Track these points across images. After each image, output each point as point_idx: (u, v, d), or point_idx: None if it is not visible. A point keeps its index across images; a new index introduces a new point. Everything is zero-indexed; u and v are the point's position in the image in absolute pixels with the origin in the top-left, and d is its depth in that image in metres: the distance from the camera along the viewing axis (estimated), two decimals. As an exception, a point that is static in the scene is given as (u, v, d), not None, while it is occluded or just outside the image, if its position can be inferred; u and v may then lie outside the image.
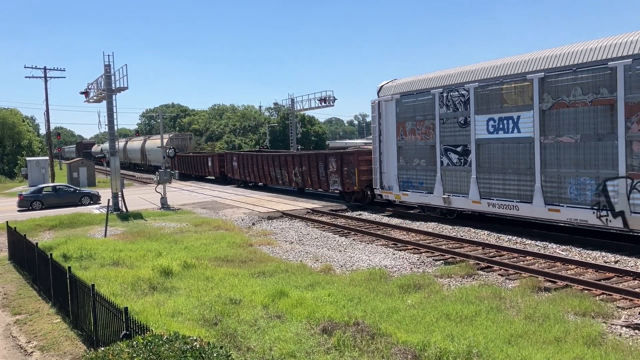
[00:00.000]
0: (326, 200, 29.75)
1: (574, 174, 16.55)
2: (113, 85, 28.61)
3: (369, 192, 26.70)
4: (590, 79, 16.04)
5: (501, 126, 18.76)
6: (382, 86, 24.64)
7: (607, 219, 15.70)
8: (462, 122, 20.38)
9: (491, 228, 19.40)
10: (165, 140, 55.49)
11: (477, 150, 19.70)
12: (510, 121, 18.41)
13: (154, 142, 60.21)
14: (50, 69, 51.22)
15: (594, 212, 16.01)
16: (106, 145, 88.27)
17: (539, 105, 17.35)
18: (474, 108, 19.69)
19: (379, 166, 24.50)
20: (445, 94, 20.88)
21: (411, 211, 23.94)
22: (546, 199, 17.30)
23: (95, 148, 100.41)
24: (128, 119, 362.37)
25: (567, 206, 16.70)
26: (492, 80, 18.97)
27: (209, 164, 47.21)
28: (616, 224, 15.47)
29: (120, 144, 76.90)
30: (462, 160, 20.44)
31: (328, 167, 29.44)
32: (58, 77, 76.06)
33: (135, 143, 73.41)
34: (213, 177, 47.90)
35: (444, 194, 21.13)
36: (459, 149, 20.61)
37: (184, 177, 51.62)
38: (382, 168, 24.40)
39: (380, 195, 24.96)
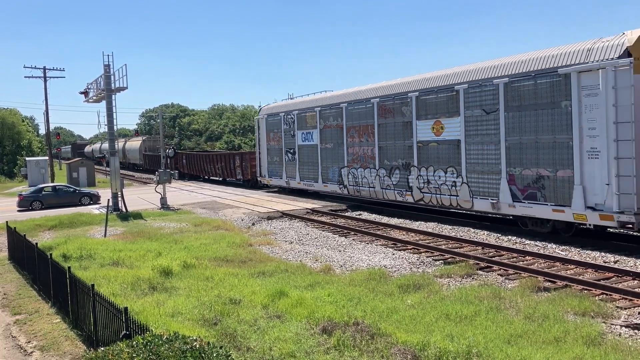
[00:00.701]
0: (326, 200, 29.77)
1: (332, 166, 28.80)
2: (112, 85, 28.60)
3: (256, 179, 38.32)
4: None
5: (308, 137, 30.86)
6: (260, 108, 38.03)
7: (341, 189, 27.94)
8: (292, 134, 32.43)
9: (491, 228, 19.42)
10: (138, 142, 71.78)
11: (299, 152, 31.72)
12: (310, 134, 30.62)
13: (132, 143, 75.59)
14: (50, 69, 51.31)
15: (338, 186, 28.19)
16: (97, 145, 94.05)
17: (320, 125, 29.58)
18: (297, 126, 31.84)
19: (258, 162, 37.02)
20: (284, 116, 33.12)
21: (274, 190, 35.72)
22: (323, 180, 29.60)
23: (88, 148, 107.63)
24: (128, 119, 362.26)
25: (330, 183, 28.97)
26: (304, 109, 31.09)
27: (167, 162, 52.33)
28: (344, 191, 27.73)
29: (106, 145, 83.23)
30: (293, 158, 32.32)
31: (235, 163, 42.48)
32: (57, 77, 76.05)
33: (120, 144, 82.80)
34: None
35: (285, 179, 33.36)
36: (292, 150, 32.57)
37: (147, 172, 62.54)
38: (260, 163, 36.70)
39: (260, 181, 37.01)
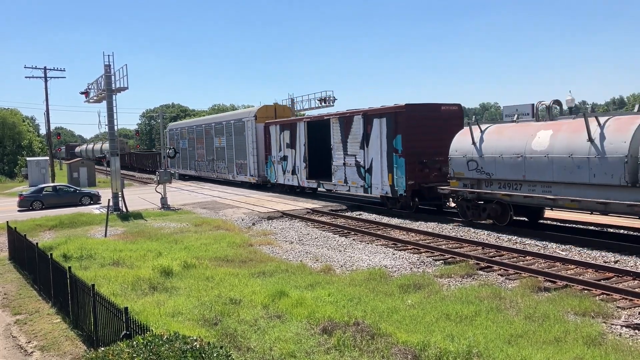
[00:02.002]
0: (326, 200, 29.76)
1: (192, 160, 50.39)
2: (113, 85, 28.61)
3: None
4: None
5: (184, 144, 51.29)
6: (167, 126, 60.48)
7: (196, 173, 49.18)
8: (178, 142, 52.85)
9: (491, 228, 19.42)
10: (104, 144, 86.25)
11: (181, 152, 50.83)
12: (185, 142, 50.67)
13: (97, 145, 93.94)
14: (50, 69, 51.29)
15: (195, 171, 49.19)
16: (84, 147, 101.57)
17: (187, 137, 51.52)
18: (179, 137, 52.99)
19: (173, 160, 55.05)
20: (175, 131, 54.39)
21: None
22: (189, 168, 49.95)
23: (77, 149, 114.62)
24: (128, 119, 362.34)
25: (192, 170, 49.68)
26: (180, 128, 53.25)
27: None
28: (196, 173, 49.45)
29: (90, 145, 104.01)
30: (178, 156, 50.17)
31: (155, 161, 61.91)
32: (58, 77, 76.16)
33: (90, 145, 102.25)
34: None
35: (176, 169, 52.42)
36: (178, 151, 47.56)
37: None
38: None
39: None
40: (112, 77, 28.53)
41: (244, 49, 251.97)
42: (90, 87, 32.90)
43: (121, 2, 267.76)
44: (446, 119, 23.55)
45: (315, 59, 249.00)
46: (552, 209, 18.57)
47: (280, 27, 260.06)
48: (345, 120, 26.96)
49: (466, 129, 20.53)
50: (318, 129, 30.57)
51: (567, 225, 19.62)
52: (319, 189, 31.59)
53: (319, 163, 30.71)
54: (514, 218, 19.09)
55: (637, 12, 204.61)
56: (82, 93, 33.67)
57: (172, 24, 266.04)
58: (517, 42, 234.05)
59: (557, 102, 19.19)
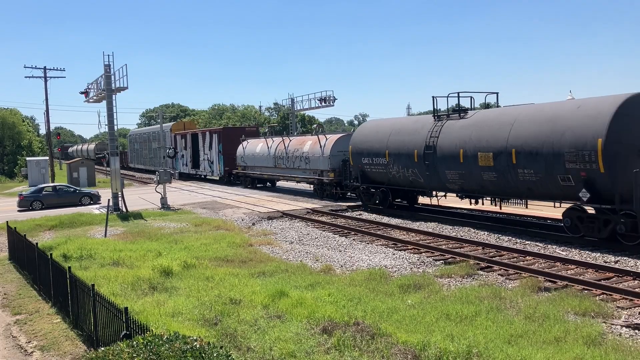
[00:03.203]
0: (326, 200, 29.77)
1: (142, 158, 67.57)
2: (113, 85, 28.60)
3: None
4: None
5: (138, 146, 70.59)
6: (130, 131, 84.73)
7: (144, 167, 66.88)
8: (136, 145, 72.12)
9: (491, 228, 19.43)
10: (92, 145, 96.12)
11: (136, 153, 72.41)
12: (140, 145, 69.32)
13: (90, 145, 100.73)
14: (50, 69, 51.24)
15: (144, 165, 67.04)
16: (75, 147, 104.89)
17: (140, 140, 69.86)
18: (136, 141, 71.66)
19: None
20: (134, 137, 73.90)
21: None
22: (142, 164, 69.07)
23: (70, 149, 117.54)
24: (128, 119, 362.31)
25: (140, 165, 69.53)
26: (138, 135, 71.62)
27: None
28: (143, 167, 67.57)
29: (79, 146, 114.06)
30: (136, 155, 71.65)
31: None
32: (58, 77, 76.29)
33: (85, 146, 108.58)
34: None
35: (135, 165, 71.32)
36: (135, 152, 72.38)
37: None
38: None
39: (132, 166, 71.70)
40: (112, 77, 28.52)
41: (244, 49, 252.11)
42: (90, 87, 32.91)
43: (121, 2, 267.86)
44: (247, 134, 42.59)
45: (316, 59, 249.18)
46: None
47: (280, 27, 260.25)
48: (204, 133, 48.03)
49: (244, 142, 40.81)
50: (196, 138, 49.69)
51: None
52: (195, 174, 50.71)
53: (197, 159, 49.74)
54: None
55: (637, 12, 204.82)
56: (82, 93, 33.68)
57: (172, 24, 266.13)
58: (518, 42, 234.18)
59: (320, 125, 38.78)
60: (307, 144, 32.42)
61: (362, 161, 25.31)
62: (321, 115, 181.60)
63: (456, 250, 16.20)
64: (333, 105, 45.74)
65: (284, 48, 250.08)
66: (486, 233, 18.74)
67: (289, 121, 57.22)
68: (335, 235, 19.74)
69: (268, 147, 36.42)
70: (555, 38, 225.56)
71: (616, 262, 14.23)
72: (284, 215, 25.25)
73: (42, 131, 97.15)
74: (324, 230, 21.00)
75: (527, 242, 16.98)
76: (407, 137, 22.64)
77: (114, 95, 28.87)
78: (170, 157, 33.71)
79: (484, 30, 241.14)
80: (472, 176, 19.43)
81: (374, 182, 25.14)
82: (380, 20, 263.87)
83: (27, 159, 57.01)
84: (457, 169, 19.92)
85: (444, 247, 16.73)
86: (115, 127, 29.31)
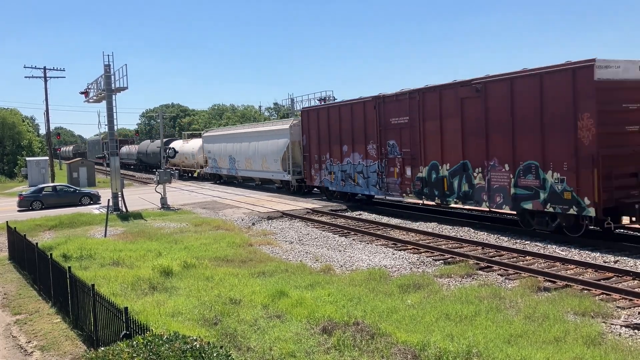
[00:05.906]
0: (326, 200, 29.78)
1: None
2: (113, 85, 28.60)
3: None
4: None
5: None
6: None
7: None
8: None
9: (491, 228, 19.43)
10: (71, 147, 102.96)
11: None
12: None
13: (69, 147, 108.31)
14: (50, 69, 51.32)
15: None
16: (68, 147, 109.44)
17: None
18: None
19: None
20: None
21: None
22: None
23: (63, 149, 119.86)
24: (128, 119, 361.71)
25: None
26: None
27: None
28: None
29: (70, 147, 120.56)
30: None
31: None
32: (58, 77, 76.35)
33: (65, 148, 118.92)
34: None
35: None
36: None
37: None
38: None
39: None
40: (112, 77, 28.52)
41: (244, 49, 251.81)
42: (90, 87, 32.90)
43: (121, 2, 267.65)
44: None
45: (316, 59, 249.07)
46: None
47: (280, 27, 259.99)
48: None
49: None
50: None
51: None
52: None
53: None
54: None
55: (637, 11, 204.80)
56: (81, 93, 33.68)
57: (172, 24, 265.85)
58: (517, 42, 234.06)
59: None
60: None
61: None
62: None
63: (456, 250, 16.20)
64: (333, 105, 45.70)
65: (284, 47, 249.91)
66: (486, 233, 18.75)
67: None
68: (335, 235, 19.74)
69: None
70: (555, 38, 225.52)
71: (616, 262, 14.23)
72: (284, 215, 25.26)
73: (42, 131, 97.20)
74: (323, 230, 21.01)
75: (526, 242, 16.98)
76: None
77: (113, 95, 28.87)
78: (170, 157, 34.05)
79: (485, 30, 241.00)
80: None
81: None
82: (381, 20, 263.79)
83: (27, 159, 56.99)
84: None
85: (443, 247, 16.73)
86: (115, 127, 29.33)
